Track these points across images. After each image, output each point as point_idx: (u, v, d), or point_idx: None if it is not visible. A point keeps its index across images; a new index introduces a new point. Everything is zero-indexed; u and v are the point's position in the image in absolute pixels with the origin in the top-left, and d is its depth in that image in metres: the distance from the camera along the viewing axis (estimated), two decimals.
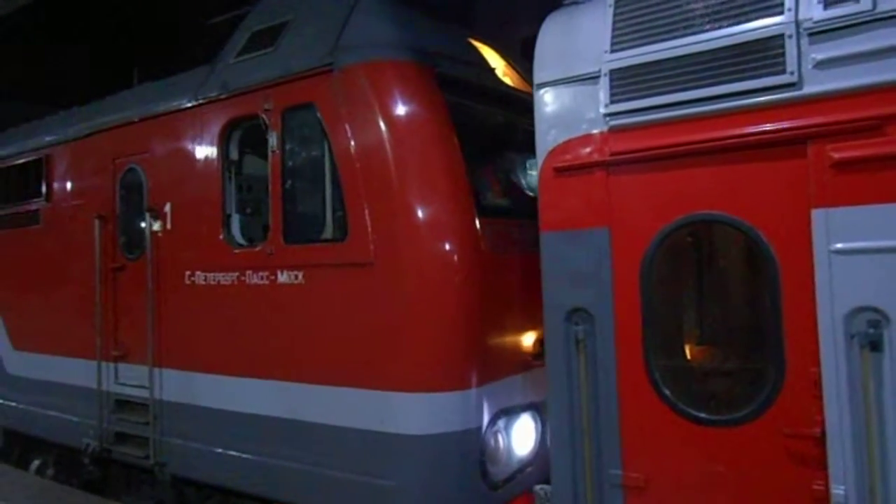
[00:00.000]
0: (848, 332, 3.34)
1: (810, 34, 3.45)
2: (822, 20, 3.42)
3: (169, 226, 6.38)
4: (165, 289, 6.35)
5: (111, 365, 7.00)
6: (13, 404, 8.62)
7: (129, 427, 6.79)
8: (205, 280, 5.97)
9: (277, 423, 5.32)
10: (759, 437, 3.59)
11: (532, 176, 5.46)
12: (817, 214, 3.43)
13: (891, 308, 3.24)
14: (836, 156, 3.37)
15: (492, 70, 5.84)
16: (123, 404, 6.90)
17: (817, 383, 3.42)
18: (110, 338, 7.02)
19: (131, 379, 6.75)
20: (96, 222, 7.09)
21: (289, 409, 5.24)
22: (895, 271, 3.23)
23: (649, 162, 3.93)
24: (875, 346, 3.26)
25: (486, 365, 4.72)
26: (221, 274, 5.82)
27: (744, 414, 3.65)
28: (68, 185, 7.83)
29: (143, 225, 6.66)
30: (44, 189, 8.11)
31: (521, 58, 6.24)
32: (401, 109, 4.88)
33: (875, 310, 3.28)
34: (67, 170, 7.88)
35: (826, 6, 3.42)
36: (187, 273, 6.11)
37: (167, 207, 6.39)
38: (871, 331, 3.28)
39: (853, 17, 3.34)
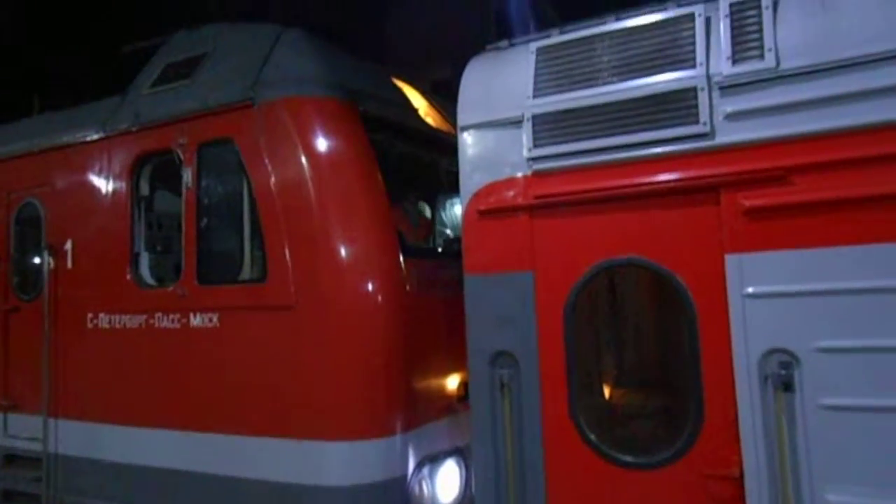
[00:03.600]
0: (762, 373, 3.45)
1: (721, 88, 3.62)
2: (731, 75, 3.60)
3: (70, 264, 5.97)
4: (64, 332, 5.91)
5: None
6: None
7: (18, 484, 6.21)
8: (109, 323, 5.60)
9: (189, 478, 4.98)
10: (681, 479, 3.63)
11: (456, 217, 5.46)
12: (731, 259, 3.55)
13: (800, 349, 3.37)
14: (747, 203, 3.52)
15: (415, 110, 5.84)
16: (12, 459, 6.31)
17: (735, 424, 3.50)
18: None
19: (22, 431, 6.20)
20: None
21: (202, 463, 4.92)
22: (803, 314, 3.38)
23: (571, 206, 3.98)
24: (787, 386, 3.38)
25: (410, 410, 4.60)
26: (128, 316, 5.48)
27: (666, 456, 3.69)
28: None
29: (40, 263, 6.20)
30: None
31: (435, 98, 6.30)
32: (323, 146, 4.79)
33: (786, 351, 3.41)
34: None
35: (734, 62, 3.60)
36: (89, 315, 5.72)
37: (68, 245, 5.98)
38: (783, 372, 3.40)
39: (759, 73, 3.53)
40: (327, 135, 4.80)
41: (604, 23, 4.09)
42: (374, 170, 4.83)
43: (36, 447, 5.99)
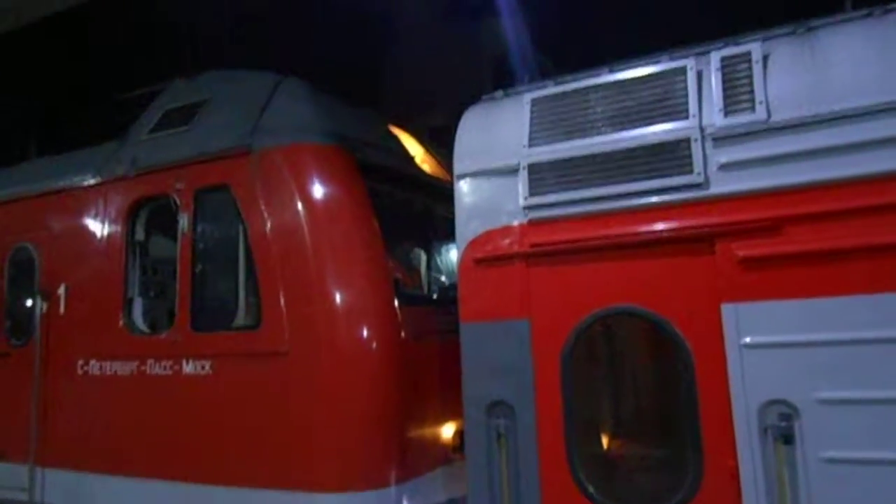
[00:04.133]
0: (762, 425, 3.41)
1: (714, 139, 3.67)
2: (724, 126, 3.65)
3: (62, 310, 5.92)
4: (55, 379, 5.82)
5: None
6: None
7: None
8: (100, 370, 5.52)
9: None
10: None
11: (451, 263, 5.46)
12: (727, 309, 3.55)
13: (799, 400, 3.35)
14: (742, 253, 3.53)
15: (411, 157, 5.89)
16: None
17: (735, 477, 3.45)
18: None
19: (7, 480, 6.04)
20: None
21: None
22: (802, 364, 3.36)
23: (568, 255, 3.99)
24: (787, 438, 3.34)
25: (405, 460, 4.52)
26: (119, 363, 5.40)
27: None
28: None
29: (32, 308, 6.14)
30: None
31: (431, 145, 6.37)
32: (320, 193, 4.81)
33: (785, 402, 3.38)
34: None
35: (726, 114, 3.66)
36: (80, 362, 5.64)
37: (61, 290, 5.94)
38: (783, 424, 3.36)
39: (751, 125, 3.59)
40: (324, 182, 4.83)
41: (598, 74, 4.16)
42: (371, 216, 4.85)
43: (21, 497, 5.83)
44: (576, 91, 4.19)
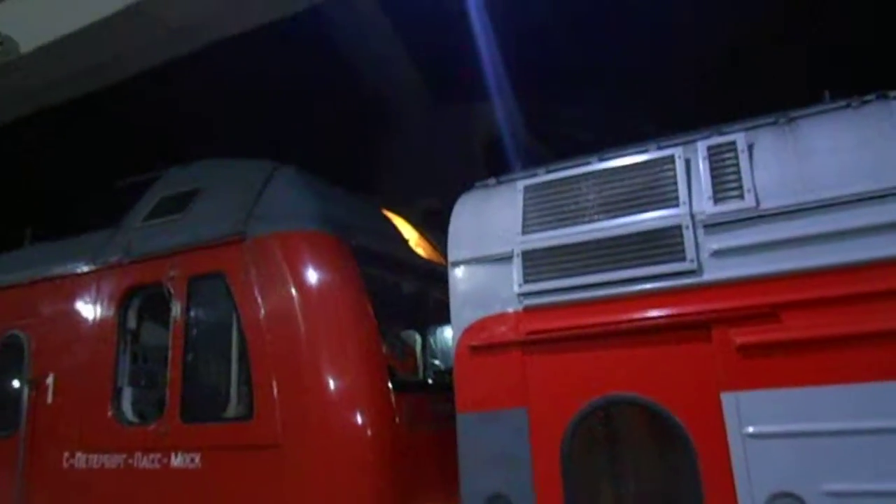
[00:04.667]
0: None
1: (705, 226, 3.71)
2: (714, 214, 3.70)
3: (49, 399, 5.78)
4: (38, 473, 5.62)
5: None
6: None
7: None
8: (86, 463, 5.34)
9: None
10: None
11: (447, 345, 5.40)
12: (727, 398, 3.49)
13: (807, 493, 3.25)
14: (739, 340, 3.51)
15: (405, 241, 5.93)
16: None
17: None
18: None
19: None
20: None
21: None
22: (808, 456, 3.28)
23: (564, 342, 3.95)
24: None
25: None
26: (106, 456, 5.24)
27: None
28: None
29: (19, 398, 6.00)
30: None
31: (425, 228, 6.43)
32: (314, 280, 4.80)
33: (793, 496, 3.28)
34: None
35: (716, 202, 3.72)
36: (66, 454, 5.46)
37: (49, 379, 5.82)
38: None
39: (741, 212, 3.64)
40: (318, 269, 4.83)
41: (588, 163, 4.24)
42: (365, 303, 4.82)
43: None
44: (568, 178, 4.25)
